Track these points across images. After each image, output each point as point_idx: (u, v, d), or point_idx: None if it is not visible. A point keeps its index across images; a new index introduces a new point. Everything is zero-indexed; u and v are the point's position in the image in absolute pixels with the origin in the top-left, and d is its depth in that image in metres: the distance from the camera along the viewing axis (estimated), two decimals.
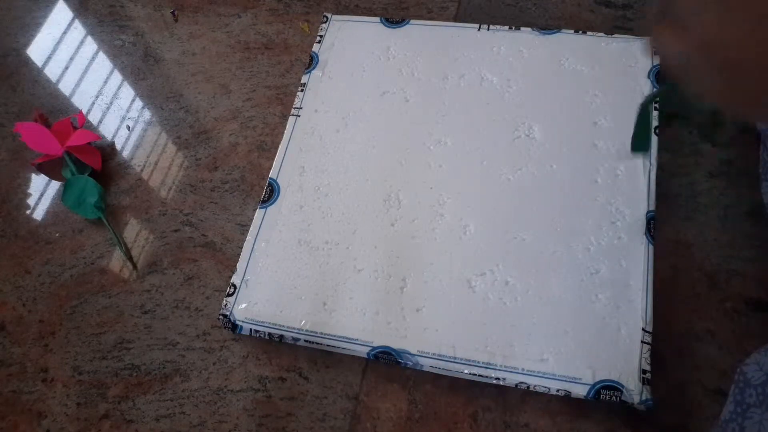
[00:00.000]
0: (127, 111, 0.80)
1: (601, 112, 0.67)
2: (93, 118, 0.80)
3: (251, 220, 0.67)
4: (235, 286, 0.63)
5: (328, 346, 0.59)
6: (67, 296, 0.67)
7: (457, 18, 0.79)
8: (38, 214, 0.74)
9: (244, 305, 0.62)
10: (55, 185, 0.76)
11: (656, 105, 0.66)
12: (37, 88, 0.84)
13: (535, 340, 0.56)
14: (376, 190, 0.66)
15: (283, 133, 0.72)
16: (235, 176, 0.72)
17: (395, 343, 0.58)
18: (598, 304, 0.57)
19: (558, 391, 0.53)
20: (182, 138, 0.77)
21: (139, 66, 0.84)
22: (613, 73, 0.69)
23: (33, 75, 0.85)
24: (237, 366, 0.61)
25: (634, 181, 0.62)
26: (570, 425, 0.54)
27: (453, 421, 0.56)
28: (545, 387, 0.54)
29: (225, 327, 0.62)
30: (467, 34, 0.75)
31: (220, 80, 0.81)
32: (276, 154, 0.71)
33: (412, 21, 0.78)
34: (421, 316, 0.59)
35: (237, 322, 0.61)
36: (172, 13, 0.88)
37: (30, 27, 0.90)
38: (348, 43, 0.78)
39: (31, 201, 0.75)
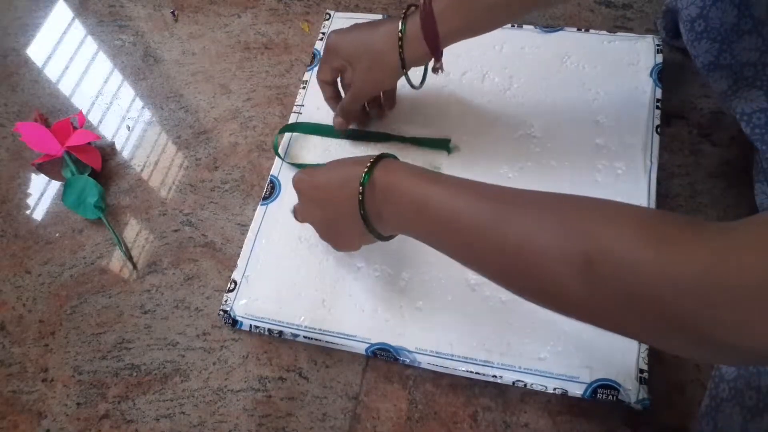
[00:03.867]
0: (127, 111, 0.80)
1: (603, 110, 0.67)
2: (93, 118, 0.80)
3: (251, 220, 0.67)
4: (235, 282, 0.63)
5: (327, 342, 0.59)
6: (67, 296, 0.67)
7: None
8: (38, 214, 0.74)
9: (244, 301, 0.62)
10: (55, 185, 0.76)
11: (657, 104, 0.66)
12: (37, 88, 0.84)
13: (533, 339, 0.56)
14: None
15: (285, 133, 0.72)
16: (235, 176, 0.72)
17: (393, 340, 0.58)
18: None
19: (555, 389, 0.53)
20: (182, 138, 0.77)
21: (139, 66, 0.84)
22: (615, 71, 0.69)
23: (33, 75, 0.86)
24: (237, 366, 0.61)
25: (635, 181, 0.62)
26: (570, 425, 0.54)
27: (453, 421, 0.56)
28: (542, 385, 0.54)
29: (225, 322, 0.62)
30: None
31: (220, 80, 0.81)
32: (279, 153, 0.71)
33: None
34: (420, 314, 0.59)
35: (237, 318, 0.61)
36: (172, 13, 0.88)
37: (30, 27, 0.90)
38: None
39: (31, 201, 0.75)
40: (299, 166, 0.69)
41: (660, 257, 0.31)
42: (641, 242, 0.32)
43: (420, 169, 0.48)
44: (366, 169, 0.47)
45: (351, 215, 0.49)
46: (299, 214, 0.58)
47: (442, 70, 0.58)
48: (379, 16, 0.79)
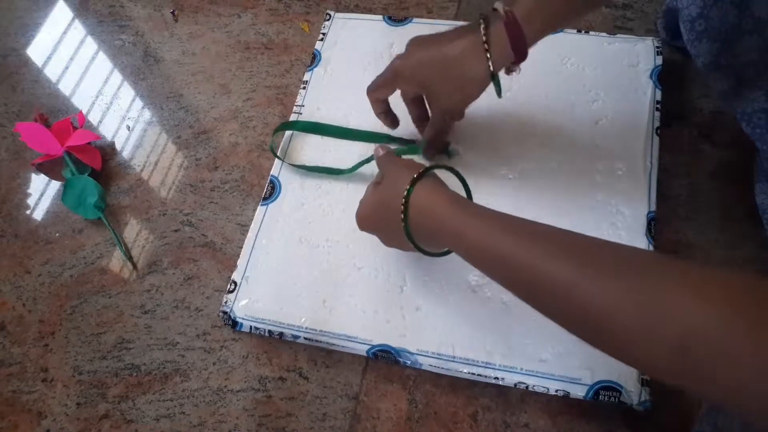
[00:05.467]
0: (127, 111, 0.80)
1: (603, 111, 0.67)
2: (93, 118, 0.80)
3: (251, 220, 0.67)
4: (235, 283, 0.63)
5: (327, 343, 0.59)
6: (67, 296, 0.67)
7: (458, 18, 0.79)
8: (38, 214, 0.74)
9: (244, 302, 0.62)
10: (55, 185, 0.76)
11: (657, 106, 0.66)
12: (37, 88, 0.84)
13: (535, 340, 0.56)
14: None
15: (284, 131, 0.72)
16: (235, 176, 0.72)
17: (394, 342, 0.58)
18: None
19: (557, 391, 0.53)
20: (182, 138, 0.77)
21: (139, 66, 0.84)
22: (616, 73, 0.69)
23: (33, 75, 0.86)
24: (237, 366, 0.61)
25: (635, 182, 0.62)
26: (570, 425, 0.54)
27: (453, 421, 0.56)
28: (544, 387, 0.54)
29: (225, 324, 0.62)
30: None
31: (220, 80, 0.81)
32: (277, 152, 0.71)
33: (414, 20, 0.78)
34: (421, 315, 0.59)
35: (237, 319, 0.61)
36: (172, 13, 0.88)
37: (30, 27, 0.90)
38: (351, 40, 0.78)
39: (31, 201, 0.75)
40: (298, 166, 0.69)
41: (760, 350, 0.29)
42: (738, 330, 0.31)
43: (462, 200, 0.48)
44: (405, 193, 0.49)
45: (402, 235, 0.50)
46: (384, 244, 0.59)
47: (518, 72, 0.57)
48: (380, 17, 0.79)
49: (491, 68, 0.54)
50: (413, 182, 0.49)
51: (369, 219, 0.56)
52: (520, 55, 0.53)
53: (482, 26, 0.53)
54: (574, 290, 0.37)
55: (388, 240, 0.57)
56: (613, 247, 0.39)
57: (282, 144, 0.71)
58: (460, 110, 0.62)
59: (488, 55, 0.53)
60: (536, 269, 0.40)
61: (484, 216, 0.46)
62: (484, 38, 0.52)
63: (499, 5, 0.52)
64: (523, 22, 0.51)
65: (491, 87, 0.56)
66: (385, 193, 0.52)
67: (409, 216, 0.49)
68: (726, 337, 0.31)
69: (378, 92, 0.62)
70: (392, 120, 0.66)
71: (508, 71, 0.57)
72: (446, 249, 0.52)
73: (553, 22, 0.54)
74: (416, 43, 0.58)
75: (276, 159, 0.70)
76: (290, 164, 0.69)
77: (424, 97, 0.60)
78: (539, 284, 0.40)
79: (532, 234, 0.43)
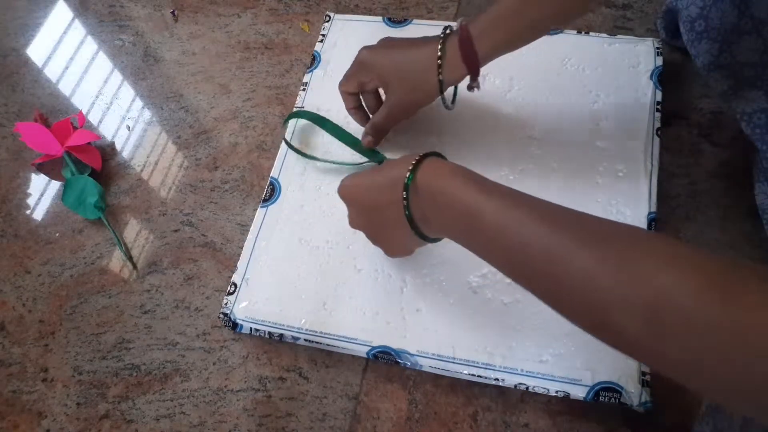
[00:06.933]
0: (127, 111, 0.80)
1: (603, 113, 0.67)
2: (93, 118, 0.80)
3: (251, 220, 0.67)
4: (235, 285, 0.63)
5: (327, 345, 0.59)
6: (67, 296, 0.67)
7: (457, 18, 0.79)
8: (38, 214, 0.74)
9: (244, 304, 0.62)
10: (55, 185, 0.76)
11: (658, 107, 0.66)
12: (37, 88, 0.84)
13: (535, 341, 0.56)
14: None
15: (288, 125, 0.72)
16: (235, 176, 0.72)
17: (395, 343, 0.58)
18: None
19: (557, 392, 0.53)
20: (182, 138, 0.77)
21: (139, 66, 0.84)
22: (616, 74, 0.69)
23: (33, 75, 0.85)
24: (237, 366, 0.61)
25: (635, 183, 0.62)
26: (570, 425, 0.54)
27: (453, 421, 0.56)
28: (544, 388, 0.54)
29: (225, 325, 0.62)
30: None
31: (220, 80, 0.81)
32: (276, 153, 0.71)
33: (414, 21, 0.78)
34: (421, 316, 0.59)
35: (237, 321, 0.61)
36: (172, 13, 0.88)
37: (30, 27, 0.90)
38: (350, 42, 0.78)
39: (31, 201, 0.75)
40: (304, 155, 0.69)
41: (727, 314, 0.30)
42: (710, 299, 0.31)
43: (467, 171, 0.45)
44: (409, 171, 0.46)
45: (397, 220, 0.48)
46: (349, 221, 0.56)
47: (478, 88, 0.58)
48: (380, 18, 0.79)
49: (441, 81, 0.56)
50: (419, 160, 0.47)
51: (359, 191, 0.52)
52: (472, 69, 0.55)
53: (440, 40, 0.55)
54: (551, 258, 0.38)
55: (367, 219, 0.54)
56: (593, 218, 0.40)
57: (282, 145, 0.71)
58: (409, 112, 0.63)
59: (439, 69, 0.56)
60: (515, 237, 0.40)
61: (482, 183, 0.44)
62: (439, 52, 0.55)
63: (460, 20, 0.55)
64: (477, 40, 0.53)
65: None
66: (385, 174, 0.49)
67: (415, 182, 0.46)
68: (698, 304, 0.31)
69: (346, 84, 0.64)
70: (362, 117, 0.67)
71: (470, 87, 0.59)
72: (440, 234, 0.50)
73: (509, 43, 0.55)
74: (386, 40, 0.61)
75: (276, 160, 0.70)
76: (301, 153, 0.69)
77: (373, 84, 0.62)
78: (518, 251, 0.40)
79: (512, 200, 0.42)
